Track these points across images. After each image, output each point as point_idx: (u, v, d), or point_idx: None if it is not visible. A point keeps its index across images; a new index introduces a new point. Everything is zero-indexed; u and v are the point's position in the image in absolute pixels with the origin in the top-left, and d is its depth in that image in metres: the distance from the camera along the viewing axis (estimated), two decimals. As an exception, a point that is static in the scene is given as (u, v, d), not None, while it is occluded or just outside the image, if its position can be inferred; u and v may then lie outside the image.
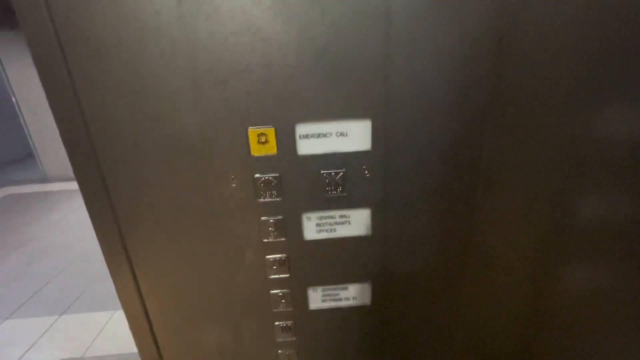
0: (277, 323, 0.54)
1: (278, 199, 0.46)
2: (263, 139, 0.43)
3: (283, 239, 0.48)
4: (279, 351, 0.57)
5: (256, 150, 0.43)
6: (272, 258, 0.50)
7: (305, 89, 0.41)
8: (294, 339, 0.55)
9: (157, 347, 0.55)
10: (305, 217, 0.48)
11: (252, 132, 0.42)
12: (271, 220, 0.47)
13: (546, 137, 0.44)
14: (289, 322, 0.54)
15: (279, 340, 0.55)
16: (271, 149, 0.43)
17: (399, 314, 0.55)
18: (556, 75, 0.41)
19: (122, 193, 0.44)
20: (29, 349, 1.54)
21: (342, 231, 0.49)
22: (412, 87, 0.42)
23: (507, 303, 0.54)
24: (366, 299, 0.54)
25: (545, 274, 0.49)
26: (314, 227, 0.48)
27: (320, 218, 0.48)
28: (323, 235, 0.49)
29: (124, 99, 0.40)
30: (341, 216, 0.48)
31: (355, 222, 0.48)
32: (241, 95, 0.40)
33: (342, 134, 0.44)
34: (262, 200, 0.46)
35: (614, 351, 0.45)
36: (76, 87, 0.39)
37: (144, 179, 0.43)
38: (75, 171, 0.43)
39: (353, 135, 0.44)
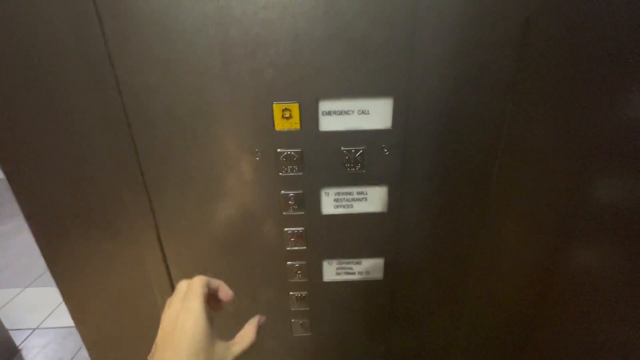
0: (291, 293, 0.57)
1: (299, 174, 0.48)
2: (287, 114, 0.44)
3: (302, 213, 0.51)
4: (292, 320, 0.60)
5: (280, 125, 0.45)
6: (290, 231, 0.52)
7: (330, 65, 0.42)
8: (308, 308, 0.58)
9: (179, 311, 0.58)
10: (323, 192, 0.50)
11: (277, 107, 0.44)
12: (291, 194, 0.49)
13: (566, 120, 0.45)
14: (304, 293, 0.57)
15: (293, 309, 0.58)
16: (294, 124, 0.45)
17: (409, 291, 0.57)
18: (579, 60, 0.41)
19: (151, 160, 0.46)
20: (48, 316, 1.63)
21: (359, 207, 0.51)
22: (436, 66, 0.42)
23: (516, 284, 0.55)
24: (378, 274, 0.56)
25: (557, 255, 0.51)
26: (332, 202, 0.50)
27: (339, 194, 0.50)
28: (340, 211, 0.51)
29: (156, 67, 0.41)
30: (359, 193, 0.50)
31: (372, 199, 0.50)
32: (267, 69, 0.42)
33: (363, 112, 0.45)
34: (283, 174, 0.48)
35: (624, 341, 0.47)
36: (112, 55, 0.41)
37: (173, 147, 0.45)
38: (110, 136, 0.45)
39: (374, 114, 0.45)
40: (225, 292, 0.37)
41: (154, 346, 0.32)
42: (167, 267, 0.54)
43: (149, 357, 0.32)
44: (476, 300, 0.58)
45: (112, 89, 0.42)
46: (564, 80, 0.42)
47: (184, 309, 0.31)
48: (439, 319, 0.60)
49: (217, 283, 0.37)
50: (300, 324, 0.60)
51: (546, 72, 0.42)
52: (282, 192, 0.49)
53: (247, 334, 0.36)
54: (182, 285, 0.35)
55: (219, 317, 0.35)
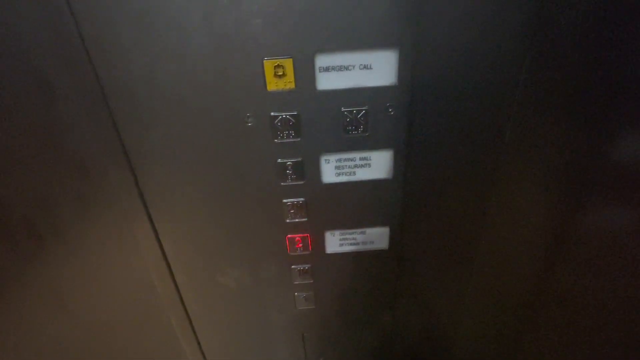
0: (293, 266, 0.55)
1: (296, 140, 0.44)
2: (280, 72, 0.39)
3: (301, 183, 0.47)
4: (296, 293, 0.58)
5: (273, 85, 0.40)
6: (289, 202, 0.49)
7: (327, 13, 0.36)
8: (311, 281, 0.56)
9: (177, 289, 0.56)
10: (323, 159, 0.46)
11: (269, 63, 0.39)
12: (289, 163, 0.45)
13: (589, 75, 0.40)
14: (306, 266, 0.55)
15: (296, 282, 0.56)
16: (289, 83, 0.40)
17: (415, 260, 0.55)
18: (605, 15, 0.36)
19: (131, 130, 0.42)
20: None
21: (362, 174, 0.47)
22: (446, 11, 0.37)
23: (528, 252, 0.53)
24: (384, 244, 0.53)
25: (575, 220, 0.48)
26: (333, 169, 0.47)
27: (340, 160, 0.46)
28: (342, 179, 0.47)
29: (130, 21, 0.36)
30: (361, 158, 0.46)
31: (376, 165, 0.46)
32: (255, 19, 0.36)
33: (365, 67, 0.40)
34: (279, 140, 0.44)
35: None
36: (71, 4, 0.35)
37: (154, 114, 0.41)
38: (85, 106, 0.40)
39: (378, 68, 0.40)
40: None
41: None
42: (160, 244, 0.51)
43: None
44: (485, 270, 0.56)
45: (79, 48, 0.37)
46: (588, 30, 0.37)
47: None
48: (446, 289, 0.59)
49: None
50: (304, 297, 0.58)
51: (565, 26, 0.37)
52: (279, 160, 0.45)
53: None
54: None
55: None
